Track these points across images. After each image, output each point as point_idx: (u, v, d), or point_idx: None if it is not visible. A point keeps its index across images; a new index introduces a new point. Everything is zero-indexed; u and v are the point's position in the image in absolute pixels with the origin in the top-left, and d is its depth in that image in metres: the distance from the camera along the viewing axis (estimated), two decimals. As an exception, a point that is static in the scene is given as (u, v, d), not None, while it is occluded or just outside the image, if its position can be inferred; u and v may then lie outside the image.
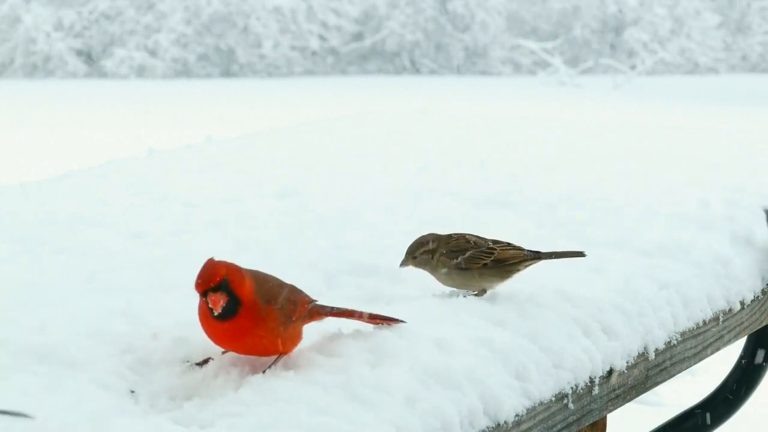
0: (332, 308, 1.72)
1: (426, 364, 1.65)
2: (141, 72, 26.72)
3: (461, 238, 1.97)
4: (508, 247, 1.96)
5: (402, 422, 1.53)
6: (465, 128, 4.02)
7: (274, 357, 1.64)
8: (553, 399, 1.79)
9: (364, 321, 1.74)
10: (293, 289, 1.68)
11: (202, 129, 11.89)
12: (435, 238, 1.97)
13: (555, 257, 1.98)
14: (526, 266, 1.96)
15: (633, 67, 27.43)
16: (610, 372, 1.93)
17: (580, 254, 1.98)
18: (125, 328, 1.75)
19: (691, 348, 2.17)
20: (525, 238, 2.33)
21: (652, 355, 2.03)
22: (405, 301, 1.92)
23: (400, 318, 1.76)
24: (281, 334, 1.62)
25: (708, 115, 17.50)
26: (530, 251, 1.97)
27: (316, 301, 1.71)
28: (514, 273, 1.96)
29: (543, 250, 2.00)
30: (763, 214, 2.61)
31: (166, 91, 22.45)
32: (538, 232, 2.39)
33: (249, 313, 1.59)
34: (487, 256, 1.94)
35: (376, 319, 1.74)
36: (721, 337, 2.29)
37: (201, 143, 3.58)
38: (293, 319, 1.64)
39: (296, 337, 1.65)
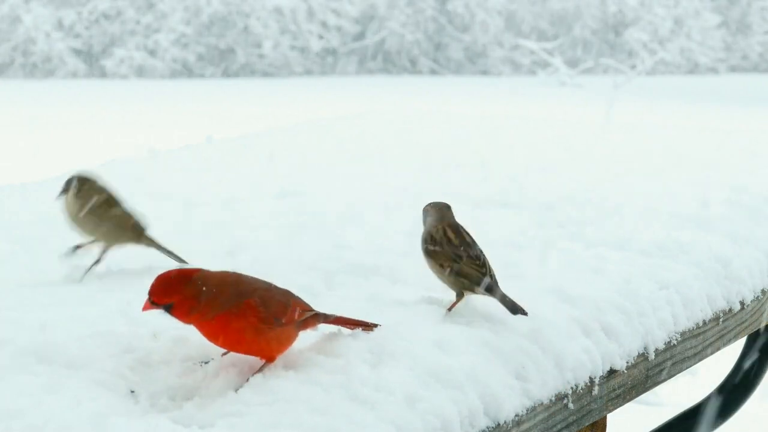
0: (326, 316, 1.71)
1: (426, 364, 1.65)
2: (141, 72, 26.72)
3: (450, 231, 1.87)
4: (476, 266, 1.84)
5: (402, 422, 1.53)
6: (465, 128, 4.02)
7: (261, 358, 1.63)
8: (553, 399, 1.79)
9: (364, 328, 1.73)
10: (287, 293, 1.68)
11: (202, 129, 11.90)
12: (438, 210, 1.89)
13: (501, 300, 1.82)
14: (479, 293, 1.84)
15: (633, 67, 27.42)
16: (611, 372, 1.93)
17: (523, 312, 1.81)
18: (125, 328, 1.75)
19: (691, 348, 2.17)
20: (525, 238, 2.33)
21: (652, 355, 2.03)
22: (405, 301, 1.92)
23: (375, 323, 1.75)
24: (267, 332, 1.61)
25: (708, 115, 17.50)
26: (486, 281, 1.83)
27: (314, 311, 1.70)
28: (469, 293, 1.85)
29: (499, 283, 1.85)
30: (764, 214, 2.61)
31: (166, 91, 22.44)
32: (538, 232, 2.39)
33: (215, 319, 1.60)
34: (449, 261, 1.84)
35: (366, 326, 1.74)
36: (721, 337, 2.28)
37: (201, 143, 3.59)
38: (283, 321, 1.63)
39: (286, 341, 1.64)
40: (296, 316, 1.65)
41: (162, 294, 1.61)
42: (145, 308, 1.61)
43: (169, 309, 1.61)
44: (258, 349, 1.62)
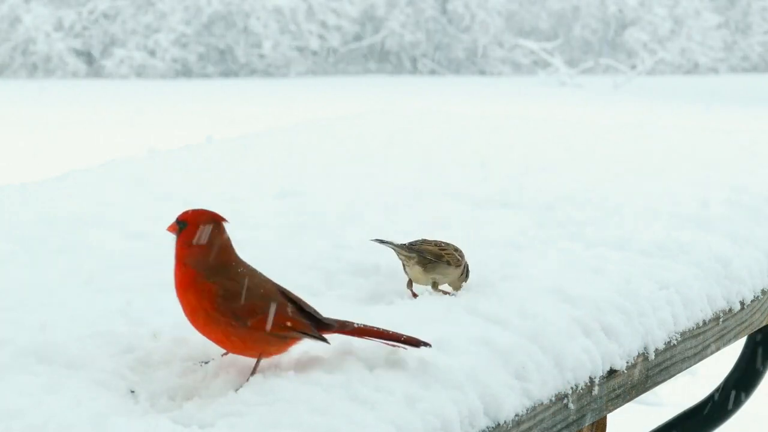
0: (346, 325, 1.64)
1: (426, 364, 1.65)
2: (141, 72, 26.70)
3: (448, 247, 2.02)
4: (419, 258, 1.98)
5: (402, 422, 1.53)
6: (465, 128, 4.02)
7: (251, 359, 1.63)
8: (553, 399, 1.79)
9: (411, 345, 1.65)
10: (271, 301, 1.62)
11: (202, 129, 11.89)
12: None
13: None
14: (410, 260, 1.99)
15: (633, 67, 27.42)
16: (611, 372, 1.93)
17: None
18: (125, 328, 1.75)
19: (691, 348, 2.17)
20: (525, 238, 2.33)
21: (652, 355, 2.03)
22: (405, 301, 1.93)
23: (424, 341, 1.66)
24: (225, 326, 1.59)
25: (708, 115, 17.50)
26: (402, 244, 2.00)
27: (307, 333, 1.63)
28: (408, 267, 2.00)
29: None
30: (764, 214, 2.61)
31: (166, 91, 22.43)
32: (538, 232, 2.39)
33: (185, 271, 1.63)
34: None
35: (413, 343, 1.65)
36: (721, 337, 2.29)
37: (201, 143, 3.59)
38: (248, 323, 1.59)
39: (254, 344, 1.60)
40: (268, 327, 1.60)
41: (188, 214, 1.66)
42: (168, 227, 1.68)
43: (182, 229, 1.65)
44: (217, 339, 1.61)
